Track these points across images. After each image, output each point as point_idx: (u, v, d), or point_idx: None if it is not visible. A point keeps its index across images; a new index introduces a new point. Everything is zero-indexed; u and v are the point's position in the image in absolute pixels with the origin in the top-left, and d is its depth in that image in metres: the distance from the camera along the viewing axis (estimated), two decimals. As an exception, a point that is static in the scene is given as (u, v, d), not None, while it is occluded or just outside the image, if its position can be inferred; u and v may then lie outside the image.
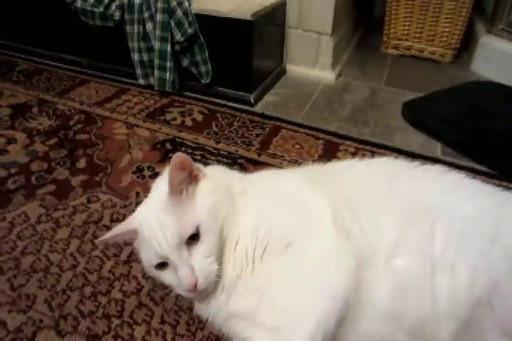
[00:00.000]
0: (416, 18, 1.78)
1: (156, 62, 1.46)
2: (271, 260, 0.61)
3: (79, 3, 1.55)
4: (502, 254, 0.58)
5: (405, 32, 1.84)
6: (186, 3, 1.38)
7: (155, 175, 1.15)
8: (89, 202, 1.07)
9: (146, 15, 1.43)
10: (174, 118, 1.42)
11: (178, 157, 0.60)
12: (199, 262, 0.60)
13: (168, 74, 1.48)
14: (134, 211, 1.00)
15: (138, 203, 1.03)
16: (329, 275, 0.58)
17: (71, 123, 1.41)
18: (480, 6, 1.80)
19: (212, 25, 1.38)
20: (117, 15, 1.49)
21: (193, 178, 0.64)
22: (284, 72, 1.69)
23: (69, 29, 1.71)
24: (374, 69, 1.77)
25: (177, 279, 0.60)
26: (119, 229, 0.66)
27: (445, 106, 1.42)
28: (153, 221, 0.61)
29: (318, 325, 0.53)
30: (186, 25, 1.38)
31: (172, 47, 1.43)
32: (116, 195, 1.08)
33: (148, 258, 0.63)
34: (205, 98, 1.53)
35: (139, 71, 1.57)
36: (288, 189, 0.69)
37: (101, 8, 1.51)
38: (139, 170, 1.18)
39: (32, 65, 1.84)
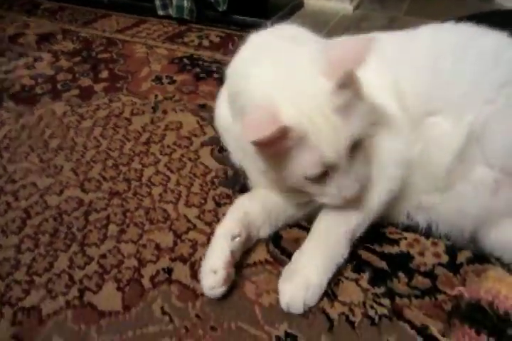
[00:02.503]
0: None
1: (175, -12, 1.54)
2: None
3: None
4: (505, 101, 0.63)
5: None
6: None
7: (173, 81, 1.24)
8: (111, 101, 1.16)
9: None
10: (192, 40, 1.49)
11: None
12: (360, 170, 0.58)
13: (185, 1, 1.55)
14: (152, 108, 1.11)
15: (157, 102, 1.13)
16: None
17: (93, 46, 1.50)
18: None
19: None
20: None
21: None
22: (301, 5, 1.74)
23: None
24: (394, 1, 1.79)
25: (333, 187, 0.57)
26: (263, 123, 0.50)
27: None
28: (321, 122, 0.52)
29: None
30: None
31: (191, -26, 1.50)
32: (136, 97, 1.18)
33: (305, 166, 0.54)
34: (223, 26, 1.60)
35: (157, 2, 1.65)
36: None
37: None
38: (158, 78, 1.26)
39: (55, 4, 1.95)
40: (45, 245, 0.76)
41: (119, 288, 0.67)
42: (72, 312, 0.64)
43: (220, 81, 1.22)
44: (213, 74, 1.27)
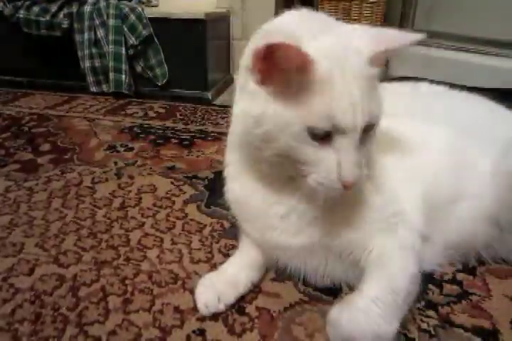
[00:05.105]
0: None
1: (111, 64, 1.59)
2: None
3: (21, 14, 1.64)
4: None
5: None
6: (139, 8, 1.58)
7: (130, 149, 1.21)
8: (63, 173, 1.08)
9: (97, 22, 1.59)
10: (136, 112, 1.52)
11: None
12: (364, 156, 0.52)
13: (123, 76, 1.60)
14: (116, 174, 1.06)
15: (119, 169, 1.09)
16: None
17: (23, 122, 1.43)
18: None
19: (167, 27, 1.58)
20: (65, 23, 1.61)
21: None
22: (231, 80, 1.92)
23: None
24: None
25: (332, 158, 0.49)
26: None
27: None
28: (350, 80, 0.47)
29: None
30: (140, 28, 1.57)
31: (126, 50, 1.59)
32: (93, 165, 1.12)
33: (313, 115, 0.47)
34: (163, 99, 1.67)
35: (90, 78, 1.67)
36: None
37: (47, 17, 1.61)
38: (112, 147, 1.23)
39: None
40: (28, 335, 0.62)
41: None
42: None
43: (180, 145, 1.23)
44: (171, 140, 1.28)
